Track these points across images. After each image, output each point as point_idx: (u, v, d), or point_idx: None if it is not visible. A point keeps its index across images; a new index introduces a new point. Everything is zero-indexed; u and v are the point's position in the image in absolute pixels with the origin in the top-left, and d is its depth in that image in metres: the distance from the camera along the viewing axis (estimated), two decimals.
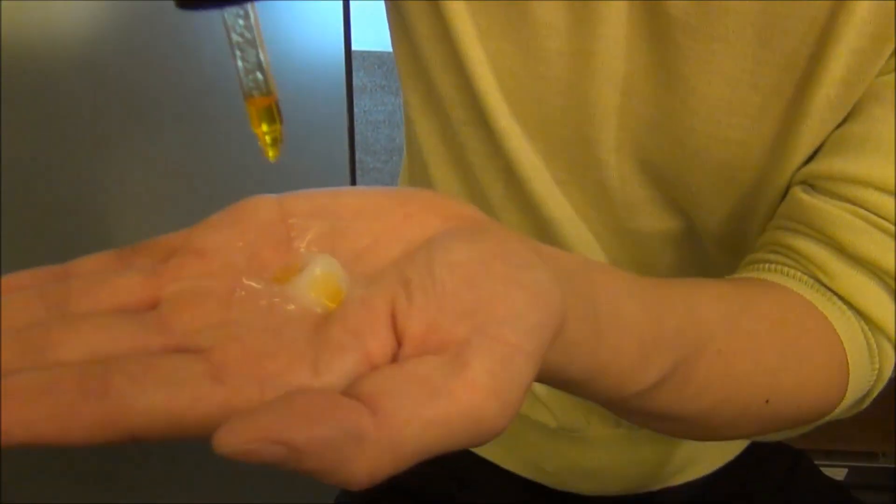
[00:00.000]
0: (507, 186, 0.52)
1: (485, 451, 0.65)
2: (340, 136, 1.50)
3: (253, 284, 0.25)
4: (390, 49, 0.52)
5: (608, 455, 0.61)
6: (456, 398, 0.21)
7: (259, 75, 0.25)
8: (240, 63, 0.25)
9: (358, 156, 1.55)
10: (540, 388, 0.60)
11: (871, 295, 0.41)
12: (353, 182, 1.54)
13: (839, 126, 0.43)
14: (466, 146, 0.52)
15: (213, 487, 1.32)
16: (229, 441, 0.19)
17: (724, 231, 0.50)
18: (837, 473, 1.35)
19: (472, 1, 0.46)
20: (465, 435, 0.22)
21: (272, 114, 0.27)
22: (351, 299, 0.25)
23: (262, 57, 0.25)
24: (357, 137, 1.54)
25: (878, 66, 0.41)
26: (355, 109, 1.50)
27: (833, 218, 0.41)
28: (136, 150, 1.53)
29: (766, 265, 0.44)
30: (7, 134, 1.49)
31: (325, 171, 1.53)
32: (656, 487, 0.64)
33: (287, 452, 0.20)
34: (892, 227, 0.40)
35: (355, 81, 2.06)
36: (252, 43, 0.25)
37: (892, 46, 0.40)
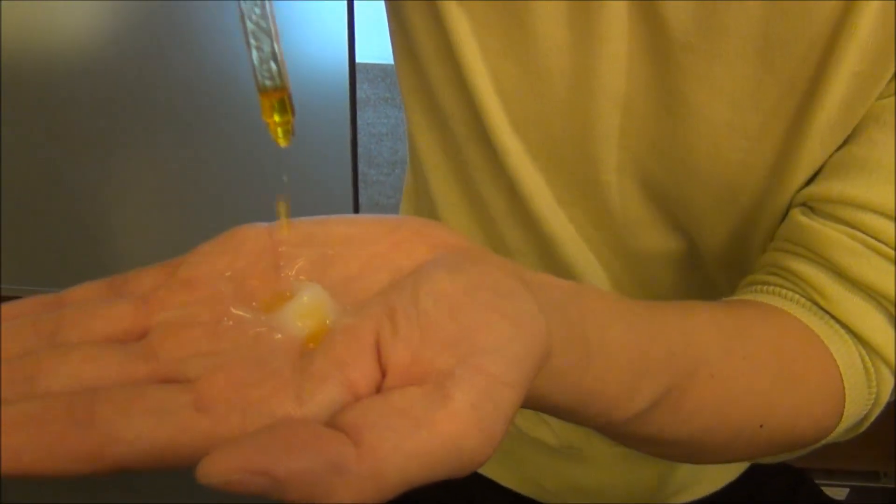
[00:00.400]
0: (510, 203, 0.52)
1: (486, 469, 0.64)
2: (343, 148, 1.51)
3: (241, 313, 0.26)
4: (391, 60, 0.52)
5: (608, 474, 0.61)
6: (438, 430, 0.22)
7: (273, 66, 0.25)
8: (254, 53, 0.25)
9: (360, 168, 1.56)
10: None
11: (869, 319, 0.41)
12: (356, 193, 1.54)
13: (839, 148, 0.43)
14: (469, 163, 0.52)
15: (214, 488, 1.31)
16: (213, 472, 0.20)
17: (725, 251, 0.50)
18: (839, 493, 1.34)
19: (476, 20, 0.46)
20: (448, 466, 0.22)
21: (284, 105, 0.27)
22: (336, 329, 0.25)
23: (276, 48, 0.25)
24: (359, 149, 1.54)
25: (878, 89, 0.40)
26: (358, 121, 1.50)
27: (832, 241, 0.41)
28: (138, 152, 1.53)
29: (764, 287, 0.44)
30: (9, 135, 1.49)
31: (328, 182, 1.53)
32: None
33: (269, 483, 0.20)
34: (892, 252, 0.40)
35: (358, 94, 2.07)
36: (267, 33, 0.25)
37: (893, 70, 0.40)
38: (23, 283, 1.62)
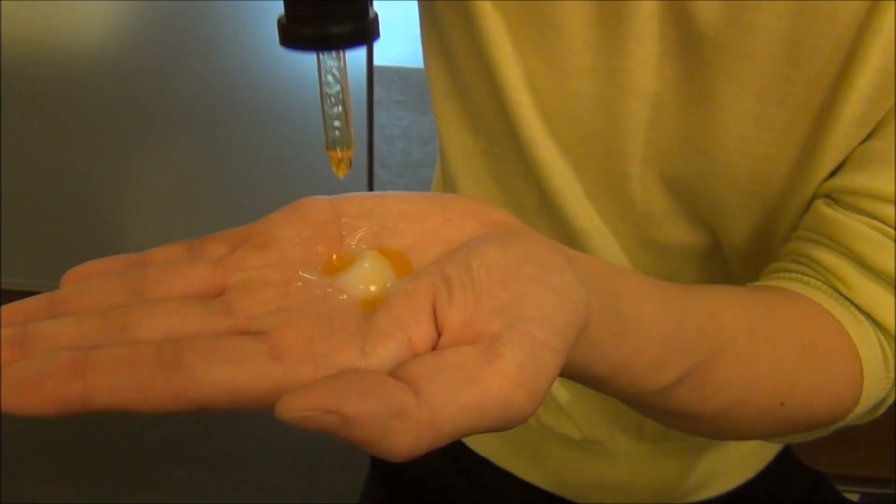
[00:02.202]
0: (540, 197, 0.53)
1: (509, 465, 0.65)
2: (359, 149, 1.52)
3: (308, 276, 0.28)
4: (408, 65, 0.53)
5: (631, 469, 0.61)
6: (488, 386, 0.24)
7: (339, 128, 0.28)
8: (329, 110, 0.27)
9: (374, 169, 1.56)
10: (565, 398, 0.60)
11: (889, 307, 0.42)
12: None
13: (863, 142, 0.44)
14: (501, 158, 0.53)
15: (213, 488, 1.32)
16: (290, 408, 0.22)
17: (748, 246, 0.51)
18: (850, 498, 1.34)
19: (509, 20, 0.47)
20: (495, 419, 0.24)
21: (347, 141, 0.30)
22: (396, 292, 0.27)
23: (346, 111, 0.28)
24: (374, 152, 1.55)
25: None
26: None
27: (854, 231, 0.43)
28: (141, 148, 1.54)
29: (788, 274, 0.45)
30: (11, 131, 1.50)
31: (342, 184, 1.54)
32: (678, 503, 0.64)
33: (339, 421, 0.22)
34: None
35: (373, 96, 2.08)
36: (339, 92, 0.28)
37: None
38: (25, 278, 1.63)
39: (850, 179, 0.43)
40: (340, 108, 0.27)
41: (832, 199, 0.45)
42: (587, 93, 0.47)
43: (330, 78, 0.27)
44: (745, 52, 0.43)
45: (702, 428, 0.42)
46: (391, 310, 0.26)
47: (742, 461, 0.64)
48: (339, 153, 0.28)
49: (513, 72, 0.47)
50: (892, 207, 0.42)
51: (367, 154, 1.50)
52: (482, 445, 0.65)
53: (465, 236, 0.29)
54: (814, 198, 0.46)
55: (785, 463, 0.66)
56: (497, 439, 0.64)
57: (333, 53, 0.27)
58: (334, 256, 0.29)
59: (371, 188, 1.54)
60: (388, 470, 0.67)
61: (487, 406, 0.24)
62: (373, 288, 0.28)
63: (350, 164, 0.28)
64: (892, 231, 0.42)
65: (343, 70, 0.27)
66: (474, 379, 0.24)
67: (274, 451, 1.38)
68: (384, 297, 0.27)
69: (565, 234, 0.53)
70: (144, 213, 1.58)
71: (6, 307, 0.26)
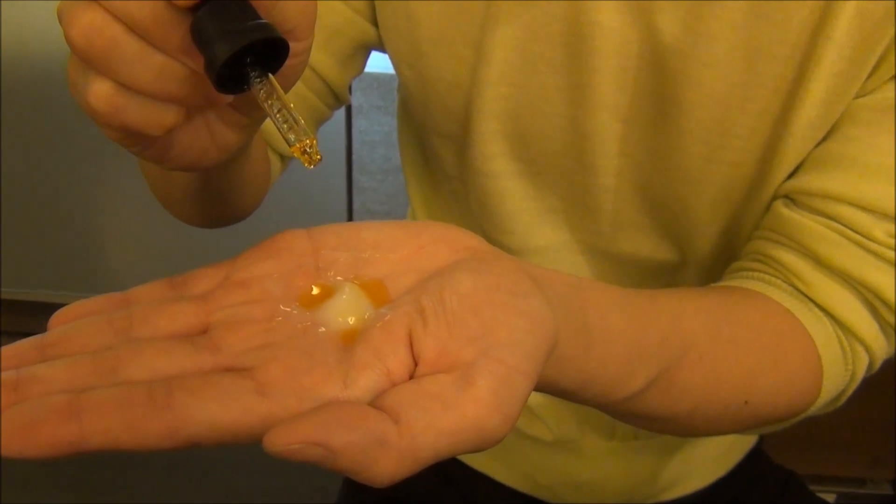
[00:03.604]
0: (488, 224, 0.55)
1: (482, 466, 0.65)
2: (338, 155, 1.52)
3: (289, 310, 0.29)
4: (388, 71, 0.54)
5: (602, 468, 0.62)
6: (464, 412, 0.25)
7: (292, 128, 0.29)
8: (278, 120, 0.28)
9: (353, 175, 1.57)
10: (536, 402, 0.61)
11: (846, 303, 0.44)
12: (350, 200, 1.55)
13: (818, 144, 0.45)
14: (454, 193, 0.56)
15: (210, 494, 1.32)
16: (278, 442, 0.23)
17: (712, 260, 0.52)
18: (826, 499, 1.36)
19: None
20: (472, 443, 0.26)
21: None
22: (373, 323, 0.28)
23: (290, 113, 0.28)
24: (353, 157, 1.55)
25: (855, 88, 0.43)
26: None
27: (811, 231, 0.44)
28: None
29: (749, 273, 0.47)
30: (9, 140, 1.49)
31: (322, 189, 1.54)
32: (649, 502, 0.65)
33: (325, 453, 0.23)
34: (867, 242, 0.43)
35: (352, 102, 2.08)
36: (280, 103, 0.28)
37: (868, 70, 0.42)
38: (23, 287, 1.62)
39: (807, 181, 0.45)
40: (276, 103, 0.28)
41: (790, 199, 0.46)
42: (556, 112, 0.48)
43: (256, 89, 0.28)
44: (704, 59, 0.44)
45: (671, 427, 0.43)
46: (369, 342, 0.27)
47: (713, 460, 0.65)
48: (300, 144, 0.28)
49: (480, 97, 0.48)
50: (848, 208, 0.43)
51: (346, 160, 1.51)
52: None
53: (438, 264, 0.31)
54: (773, 199, 0.47)
55: (756, 462, 0.67)
56: None
57: (253, 74, 0.28)
58: (313, 289, 0.30)
59: (350, 194, 1.54)
60: None
61: (464, 431, 0.25)
62: (351, 320, 0.29)
63: (317, 151, 0.29)
64: (848, 230, 0.43)
65: (267, 81, 0.28)
66: (451, 406, 0.25)
67: (251, 456, 1.38)
68: (362, 328, 0.28)
69: (515, 255, 0.55)
70: (145, 220, 1.57)
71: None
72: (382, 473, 0.24)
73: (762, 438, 0.69)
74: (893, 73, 0.43)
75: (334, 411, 0.24)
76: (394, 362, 0.27)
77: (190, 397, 0.25)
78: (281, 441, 0.23)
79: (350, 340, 0.28)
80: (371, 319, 0.29)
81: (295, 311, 0.29)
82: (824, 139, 0.45)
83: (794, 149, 0.45)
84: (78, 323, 0.28)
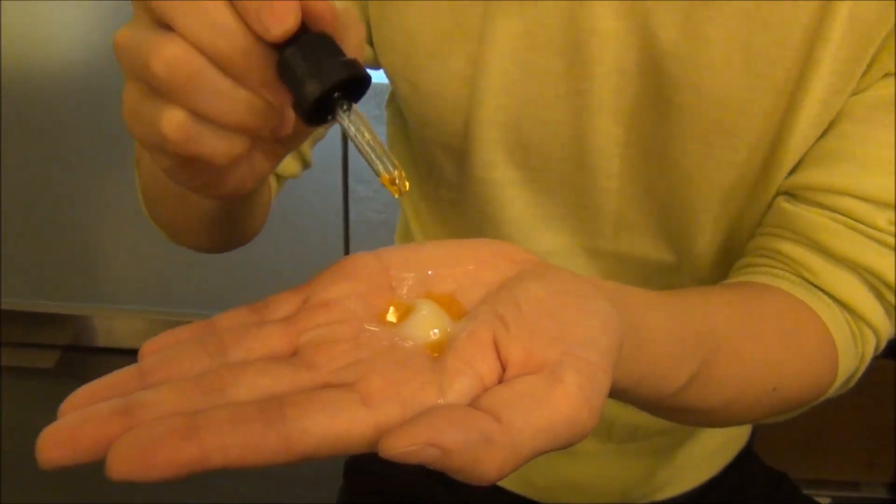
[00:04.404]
0: (489, 232, 0.56)
1: None
2: (335, 165, 1.53)
3: (374, 328, 0.31)
4: (385, 80, 0.55)
5: (597, 469, 0.63)
6: (557, 408, 0.27)
7: (380, 159, 0.30)
8: (366, 151, 0.30)
9: (350, 185, 1.58)
10: None
11: (852, 288, 0.46)
12: (346, 210, 1.56)
13: (816, 141, 0.47)
14: (453, 203, 0.57)
15: (211, 488, 1.32)
16: (394, 445, 0.25)
17: (712, 259, 0.53)
18: (822, 502, 1.36)
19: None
20: (565, 437, 0.27)
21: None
22: (459, 334, 0.30)
23: (377, 143, 0.30)
24: (349, 167, 1.56)
25: (851, 86, 0.45)
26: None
27: (815, 224, 0.46)
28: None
29: (758, 268, 0.49)
30: (10, 151, 1.50)
31: (319, 199, 1.55)
32: (642, 502, 0.66)
33: (438, 453, 0.25)
34: (868, 229, 0.45)
35: None
36: (367, 131, 0.30)
37: (863, 68, 0.45)
38: (24, 298, 1.62)
39: (808, 176, 0.47)
40: (366, 136, 0.29)
41: (791, 195, 0.48)
42: (557, 120, 0.49)
43: (346, 124, 0.29)
44: (702, 63, 0.45)
45: (709, 419, 0.45)
46: (458, 350, 0.29)
47: (705, 460, 0.66)
48: (388, 175, 0.30)
49: (481, 107, 0.49)
50: (850, 199, 0.45)
51: (342, 169, 1.52)
52: None
53: (501, 276, 0.32)
54: (774, 196, 0.49)
55: (747, 462, 0.68)
56: None
57: (342, 108, 0.29)
58: (392, 308, 0.32)
59: (346, 203, 1.55)
60: (359, 476, 0.69)
61: (558, 426, 0.27)
62: (435, 332, 0.31)
63: (405, 181, 0.31)
64: (851, 220, 0.45)
65: (354, 113, 0.29)
66: (544, 403, 0.27)
67: None
68: (448, 339, 0.30)
69: None
70: (147, 231, 1.58)
71: (97, 384, 0.27)
72: (489, 471, 0.25)
73: (753, 440, 0.70)
74: (886, 70, 0.45)
75: (443, 414, 0.26)
76: (484, 368, 0.28)
77: (301, 412, 0.26)
78: (398, 445, 0.25)
79: (437, 352, 0.30)
80: (454, 331, 0.30)
81: (380, 329, 0.31)
82: (822, 136, 0.47)
83: (794, 147, 0.47)
84: (172, 350, 0.29)
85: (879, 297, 0.47)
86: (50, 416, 0.27)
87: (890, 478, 1.38)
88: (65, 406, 0.26)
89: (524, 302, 0.30)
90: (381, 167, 0.30)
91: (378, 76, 0.58)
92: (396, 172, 0.30)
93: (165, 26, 0.27)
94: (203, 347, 0.29)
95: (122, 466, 0.23)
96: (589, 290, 0.31)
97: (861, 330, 0.47)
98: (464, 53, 0.48)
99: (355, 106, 0.29)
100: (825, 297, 0.47)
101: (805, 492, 0.68)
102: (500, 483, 0.65)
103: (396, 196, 0.30)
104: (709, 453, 0.66)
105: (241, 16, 0.27)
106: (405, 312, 0.31)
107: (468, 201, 0.55)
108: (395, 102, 0.59)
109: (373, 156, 0.30)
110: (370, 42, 0.52)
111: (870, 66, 0.45)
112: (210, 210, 0.45)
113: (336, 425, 0.26)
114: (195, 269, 1.59)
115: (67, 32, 1.43)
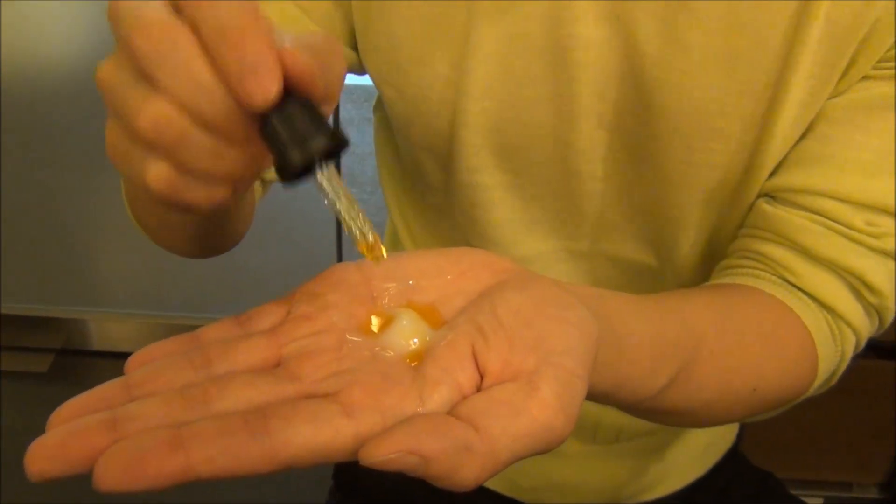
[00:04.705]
0: (475, 237, 0.57)
1: None
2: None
3: (356, 339, 0.32)
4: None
5: (582, 470, 0.63)
6: (534, 415, 0.27)
7: (354, 221, 0.30)
8: (341, 210, 0.30)
9: None
10: None
11: (832, 289, 0.47)
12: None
13: (796, 143, 0.48)
14: (439, 208, 0.57)
15: (204, 488, 1.32)
16: (375, 453, 0.25)
17: (694, 261, 0.54)
18: (812, 503, 1.37)
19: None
20: (541, 443, 0.28)
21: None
22: (437, 343, 0.30)
23: (351, 203, 0.30)
24: (343, 169, 1.57)
25: (829, 89, 0.46)
26: None
27: (796, 225, 0.47)
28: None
29: (739, 269, 0.49)
30: (10, 156, 1.50)
31: (312, 203, 1.55)
32: (629, 503, 0.66)
33: (418, 460, 0.25)
34: (849, 231, 0.46)
35: (342, 114, 2.10)
36: (343, 195, 0.30)
37: (840, 71, 0.45)
38: (17, 301, 1.62)
39: (788, 178, 0.48)
40: (342, 200, 0.30)
41: (772, 197, 0.49)
42: (539, 123, 0.50)
43: (325, 187, 0.29)
44: (683, 68, 0.46)
45: (691, 420, 0.46)
46: (437, 360, 0.29)
47: (691, 461, 0.67)
48: (364, 242, 0.31)
49: (465, 111, 0.50)
50: (829, 201, 0.46)
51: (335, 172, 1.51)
52: None
53: (482, 286, 0.33)
54: (755, 198, 0.50)
55: (734, 463, 0.69)
56: None
57: (321, 170, 0.29)
58: (373, 318, 0.32)
59: None
60: (348, 477, 0.69)
61: (535, 433, 0.27)
62: (415, 341, 0.31)
63: (381, 248, 0.31)
64: (830, 222, 0.46)
65: (332, 176, 0.29)
66: (521, 411, 0.27)
67: None
68: (428, 348, 0.31)
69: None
70: (139, 233, 1.58)
71: (85, 397, 0.28)
72: (468, 477, 0.26)
73: (739, 440, 0.71)
74: (864, 73, 0.45)
75: (422, 422, 0.26)
76: (462, 377, 0.29)
77: (284, 423, 0.26)
78: (378, 453, 0.25)
79: (416, 361, 0.30)
80: (433, 340, 0.31)
81: (361, 339, 0.32)
82: (802, 138, 0.48)
83: (775, 149, 0.47)
84: (158, 363, 0.30)
85: (859, 297, 0.47)
86: (44, 419, 0.27)
87: (882, 478, 1.38)
88: (53, 419, 0.27)
89: (502, 312, 0.30)
90: (357, 232, 0.30)
91: (366, 80, 0.58)
92: (371, 236, 0.30)
93: (148, 76, 0.27)
94: (188, 360, 0.30)
95: (109, 478, 0.24)
96: (567, 298, 0.32)
97: (841, 330, 0.48)
98: (448, 58, 0.49)
99: (333, 168, 0.29)
100: (805, 297, 0.47)
101: (797, 492, 0.68)
102: (486, 484, 0.66)
103: (373, 262, 0.31)
104: (694, 454, 0.67)
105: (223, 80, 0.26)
106: (386, 322, 0.32)
107: (454, 206, 0.56)
108: (382, 107, 0.60)
109: (349, 220, 0.30)
110: (355, 47, 0.52)
111: (847, 68, 0.45)
112: (192, 221, 0.46)
113: (318, 436, 0.26)
114: (189, 273, 1.59)
115: (67, 33, 1.43)
